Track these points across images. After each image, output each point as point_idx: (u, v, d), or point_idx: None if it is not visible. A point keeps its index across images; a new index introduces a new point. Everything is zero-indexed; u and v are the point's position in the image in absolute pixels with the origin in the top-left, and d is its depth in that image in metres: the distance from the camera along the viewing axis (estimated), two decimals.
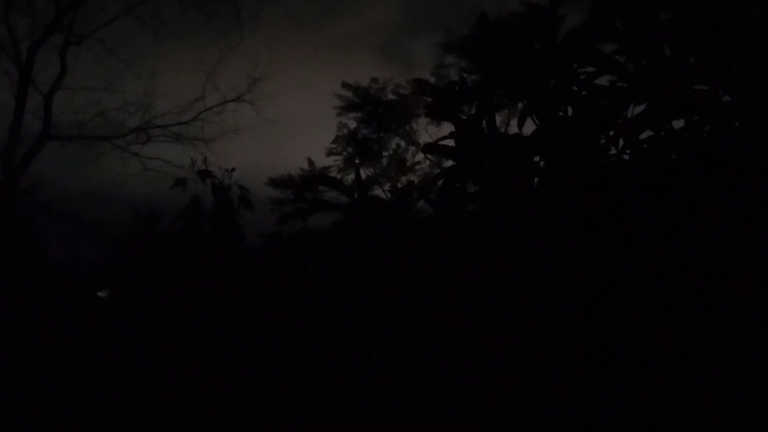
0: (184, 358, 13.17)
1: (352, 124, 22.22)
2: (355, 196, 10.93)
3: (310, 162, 21.73)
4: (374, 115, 22.15)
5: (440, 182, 9.75)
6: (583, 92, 7.01)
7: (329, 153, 21.84)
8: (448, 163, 9.87)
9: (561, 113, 7.39)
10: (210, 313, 12.53)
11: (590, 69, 6.67)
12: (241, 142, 21.80)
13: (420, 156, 22.32)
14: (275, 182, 19.63)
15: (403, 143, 22.51)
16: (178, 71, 22.14)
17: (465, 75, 13.13)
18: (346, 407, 10.65)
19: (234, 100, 20.40)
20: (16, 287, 15.78)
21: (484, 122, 9.71)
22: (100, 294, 16.56)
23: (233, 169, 12.14)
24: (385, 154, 22.43)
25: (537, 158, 7.73)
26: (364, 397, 10.84)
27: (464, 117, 11.18)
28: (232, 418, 10.81)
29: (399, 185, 20.91)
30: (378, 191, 15.67)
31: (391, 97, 22.30)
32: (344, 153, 22.07)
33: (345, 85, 21.56)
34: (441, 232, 11.13)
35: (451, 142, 9.22)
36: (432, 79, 18.81)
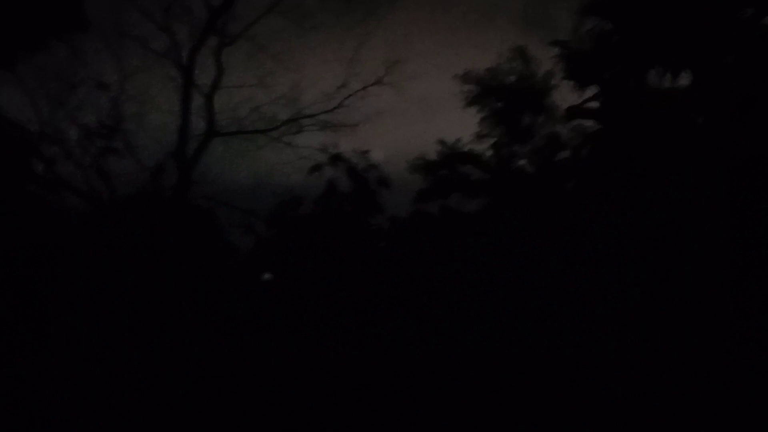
0: (342, 337, 13.81)
1: (494, 105, 21.86)
2: (500, 174, 10.76)
3: (442, 143, 21.74)
4: (513, 92, 21.64)
5: (585, 150, 9.40)
6: (747, 36, 6.47)
7: (478, 136, 21.57)
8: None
9: (721, 63, 6.86)
10: (358, 293, 13.03)
11: (750, 11, 6.13)
12: (384, 125, 22.25)
13: (568, 131, 21.46)
14: (416, 163, 19.91)
15: (548, 118, 21.78)
16: (322, 61, 22.99)
17: (606, 36, 12.41)
18: (520, 386, 10.56)
19: (374, 84, 20.84)
20: (193, 275, 17.39)
21: (631, 81, 9.21)
22: (265, 276, 17.79)
23: (368, 152, 12.58)
24: (531, 130, 21.80)
25: (694, 116, 7.26)
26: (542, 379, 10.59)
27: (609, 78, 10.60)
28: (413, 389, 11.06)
29: (548, 161, 20.34)
30: (527, 168, 15.26)
31: (528, 71, 21.64)
32: (490, 133, 21.76)
33: (466, 78, 21.32)
34: (590, 207, 10.66)
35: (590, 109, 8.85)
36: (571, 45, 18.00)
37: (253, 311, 14.26)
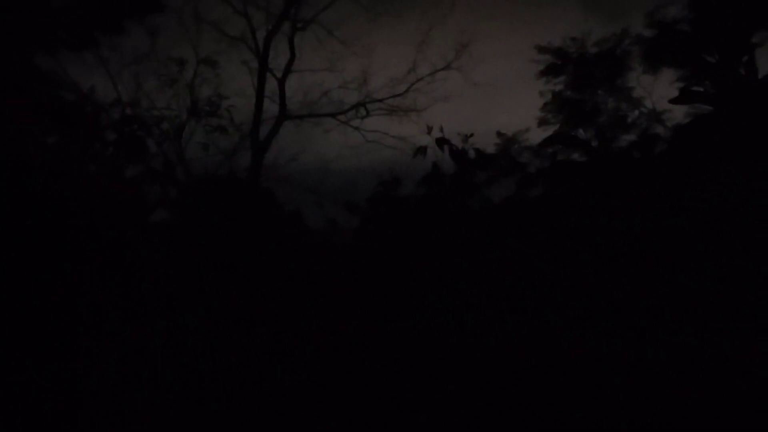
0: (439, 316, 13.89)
1: (559, 87, 21.56)
2: (598, 156, 10.69)
3: (499, 134, 21.62)
4: (580, 74, 21.29)
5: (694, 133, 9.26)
6: None
7: (540, 123, 21.38)
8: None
9: None
10: (463, 273, 13.03)
11: None
12: (450, 109, 22.24)
13: (637, 113, 21.06)
14: (503, 144, 19.82)
15: (617, 101, 21.41)
16: (391, 45, 23.11)
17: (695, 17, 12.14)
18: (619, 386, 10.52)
19: (444, 69, 20.84)
20: (268, 257, 17.66)
21: (740, 64, 9.04)
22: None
23: (471, 135, 12.70)
24: (599, 114, 21.46)
25: None
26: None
27: (711, 60, 10.43)
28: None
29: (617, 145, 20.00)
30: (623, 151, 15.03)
31: (595, 51, 21.27)
32: (555, 118, 21.49)
33: (541, 48, 21.01)
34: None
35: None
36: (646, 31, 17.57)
37: (341, 294, 14.51)
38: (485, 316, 12.26)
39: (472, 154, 12.45)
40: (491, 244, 11.56)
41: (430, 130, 12.82)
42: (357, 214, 15.46)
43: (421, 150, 12.31)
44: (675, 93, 14.02)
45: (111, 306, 14.07)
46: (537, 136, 22.31)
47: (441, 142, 11.89)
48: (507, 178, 21.28)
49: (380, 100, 20.19)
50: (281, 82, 19.43)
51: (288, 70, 19.53)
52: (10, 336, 12.78)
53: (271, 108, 19.64)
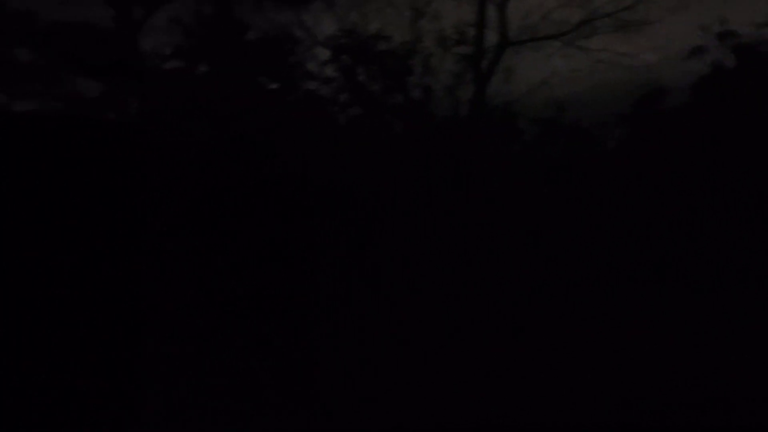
0: None
1: None
2: None
3: None
4: None
5: None
6: None
7: None
8: None
9: None
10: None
11: None
12: (685, 19, 20.13)
13: None
14: None
15: None
16: None
17: None
18: None
19: None
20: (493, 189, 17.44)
21: None
22: None
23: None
24: None
25: None
26: None
27: None
28: None
29: None
30: None
31: None
32: None
33: None
34: None
35: None
36: None
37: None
38: None
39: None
40: None
41: (706, 27, 11.24)
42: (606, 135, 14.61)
43: (697, 50, 11.00)
44: None
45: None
46: None
47: (726, 36, 10.48)
48: None
49: (607, 15, 18.77)
50: (501, 8, 18.78)
51: None
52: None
53: (490, 36, 19.11)
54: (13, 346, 8.92)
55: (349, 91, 18.58)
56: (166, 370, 12.22)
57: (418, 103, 17.26)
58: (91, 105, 16.75)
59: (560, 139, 15.93)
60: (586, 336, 13.17)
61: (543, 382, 12.55)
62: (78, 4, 16.62)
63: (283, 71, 18.25)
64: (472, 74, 18.49)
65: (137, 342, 9.78)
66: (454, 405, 12.54)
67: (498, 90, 18.90)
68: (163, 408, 11.20)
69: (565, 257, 13.92)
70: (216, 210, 14.03)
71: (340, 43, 18.35)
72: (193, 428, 11.69)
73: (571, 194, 14.21)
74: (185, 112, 15.15)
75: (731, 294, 12.63)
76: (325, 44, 18.66)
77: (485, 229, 14.83)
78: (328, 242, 14.05)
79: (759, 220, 12.08)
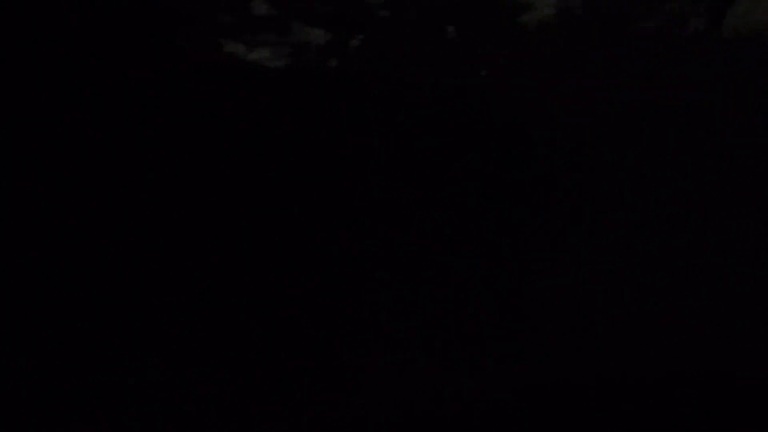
0: None
1: None
2: None
3: None
4: None
5: None
6: None
7: None
8: None
9: None
10: None
11: None
12: None
13: None
14: None
15: None
16: None
17: None
18: None
19: None
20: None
21: None
22: None
23: None
24: None
25: None
26: None
27: None
28: None
29: None
30: None
31: None
32: None
33: None
34: None
35: None
36: None
37: None
38: None
39: None
40: None
41: None
42: None
43: None
44: None
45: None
46: None
47: None
48: None
49: None
50: None
51: None
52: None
53: None
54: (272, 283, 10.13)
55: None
56: (389, 314, 13.20)
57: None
58: (318, 53, 17.94)
59: None
60: None
61: None
62: None
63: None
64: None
65: (362, 285, 10.66)
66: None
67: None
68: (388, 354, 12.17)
69: None
70: (437, 156, 14.49)
71: None
72: (415, 372, 12.61)
73: None
74: (405, 61, 15.56)
75: None
76: None
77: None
78: (553, 187, 13.98)
79: None
